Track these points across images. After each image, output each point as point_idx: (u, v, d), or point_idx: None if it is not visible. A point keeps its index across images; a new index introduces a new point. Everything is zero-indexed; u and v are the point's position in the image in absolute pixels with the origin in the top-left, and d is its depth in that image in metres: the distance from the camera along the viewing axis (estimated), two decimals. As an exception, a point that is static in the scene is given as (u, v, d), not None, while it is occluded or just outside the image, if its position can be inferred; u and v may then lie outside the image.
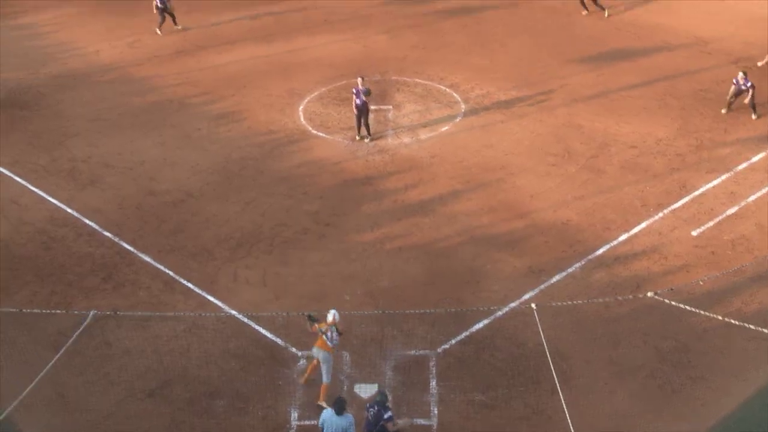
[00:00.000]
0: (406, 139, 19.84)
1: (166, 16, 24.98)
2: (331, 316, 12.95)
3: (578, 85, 21.99)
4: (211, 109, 21.20)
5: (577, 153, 19.13)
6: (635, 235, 16.55)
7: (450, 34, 25.11)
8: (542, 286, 15.19)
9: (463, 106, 21.15)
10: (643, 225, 16.81)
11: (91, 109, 21.29)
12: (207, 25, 25.76)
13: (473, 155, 19.18)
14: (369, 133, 19.66)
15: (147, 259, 16.08)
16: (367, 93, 19.24)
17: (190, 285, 15.43)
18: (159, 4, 24.83)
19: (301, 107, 21.20)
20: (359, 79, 19.44)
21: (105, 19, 26.12)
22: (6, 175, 18.66)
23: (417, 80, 22.37)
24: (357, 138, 19.67)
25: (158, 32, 25.03)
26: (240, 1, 27.29)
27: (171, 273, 15.70)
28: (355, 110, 19.52)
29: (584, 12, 26.07)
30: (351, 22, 26.04)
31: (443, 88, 21.99)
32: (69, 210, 17.55)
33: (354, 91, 19.45)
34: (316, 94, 21.82)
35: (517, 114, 20.80)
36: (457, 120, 20.57)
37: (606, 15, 25.91)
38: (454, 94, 21.66)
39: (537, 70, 22.89)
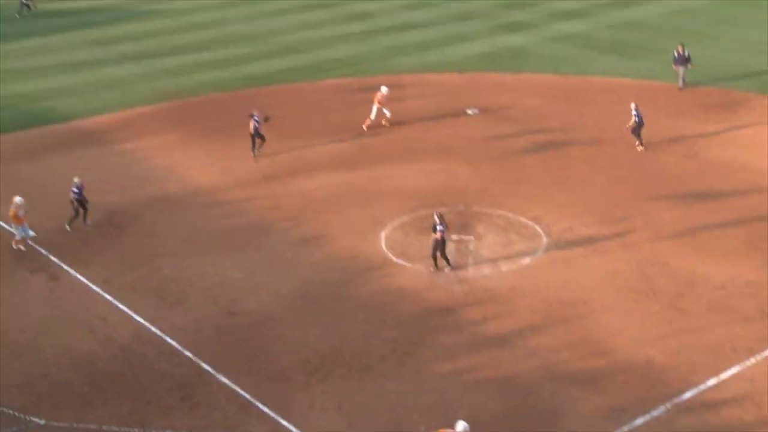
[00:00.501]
0: (487, 271, 20.20)
1: (257, 140, 26.78)
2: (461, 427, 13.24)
3: (662, 223, 22.11)
4: (295, 234, 22.17)
5: (661, 291, 19.05)
6: (725, 380, 16.15)
7: (531, 168, 25.82)
8: (624, 428, 14.90)
9: (544, 240, 21.50)
10: (734, 370, 16.41)
11: (182, 230, 22.58)
12: (295, 151, 27.31)
13: (554, 289, 19.34)
14: (449, 263, 20.10)
15: (224, 380, 16.61)
16: (443, 228, 19.62)
17: (265, 409, 15.79)
18: (252, 131, 26.63)
19: (382, 234, 21.96)
20: (436, 217, 19.89)
21: (201, 145, 28.00)
22: (97, 292, 19.82)
23: (498, 212, 22.94)
24: (431, 270, 20.02)
25: (253, 155, 26.77)
26: (327, 130, 28.92)
27: (247, 395, 16.13)
28: (432, 242, 19.99)
29: (639, 148, 26.59)
30: (434, 152, 27.12)
31: (525, 220, 22.48)
32: (153, 328, 18.41)
33: (433, 225, 19.90)
34: (398, 222, 22.60)
35: (600, 249, 20.98)
36: (539, 253, 20.88)
37: (640, 149, 26.44)
38: (536, 227, 22.08)
39: (620, 206, 23.16)
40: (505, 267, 20.34)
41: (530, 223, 22.35)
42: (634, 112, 26.60)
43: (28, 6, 44.42)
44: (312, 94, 32.57)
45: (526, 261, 20.57)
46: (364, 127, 28.81)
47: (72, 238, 22.16)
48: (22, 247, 21.68)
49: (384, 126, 28.92)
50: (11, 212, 21.60)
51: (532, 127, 28.95)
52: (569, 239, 21.51)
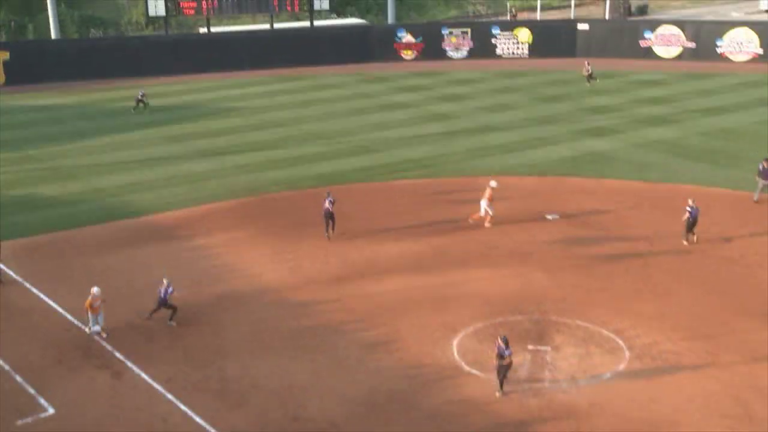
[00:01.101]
0: (564, 384, 19.98)
1: (330, 222, 28.42)
2: None
3: (760, 342, 21.51)
4: (364, 337, 22.43)
5: (759, 419, 18.38)
6: None
7: (614, 277, 25.72)
8: None
9: (627, 353, 21.21)
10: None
11: (248, 329, 23.13)
12: (367, 252, 27.91)
13: (637, 408, 18.95)
14: (501, 388, 19.48)
15: (285, 488, 16.67)
16: (511, 352, 19.16)
17: None
18: (326, 211, 28.40)
19: (454, 342, 22.01)
20: (501, 341, 19.33)
21: (271, 242, 28.94)
22: (159, 391, 20.32)
23: (578, 322, 22.82)
24: (498, 395, 19.55)
25: (326, 236, 28.45)
26: (400, 231, 29.55)
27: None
28: (498, 367, 19.44)
29: (685, 242, 27.25)
30: (511, 257, 27.33)
31: (606, 332, 22.26)
32: (213, 431, 18.74)
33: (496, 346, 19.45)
34: (471, 329, 22.65)
35: (688, 368, 20.53)
36: (621, 368, 20.57)
37: (695, 240, 27.50)
38: (618, 340, 21.83)
39: (711, 322, 22.71)
40: (583, 381, 20.09)
41: (611, 335, 22.12)
42: (688, 208, 27.32)
43: (143, 103, 47.14)
44: (386, 195, 33.45)
45: (606, 376, 20.29)
46: (470, 220, 29.71)
47: (138, 334, 22.91)
48: (103, 335, 22.59)
49: (484, 226, 29.52)
50: (87, 302, 22.65)
51: (615, 234, 28.96)
52: (654, 355, 21.16)
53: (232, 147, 40.82)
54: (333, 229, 28.82)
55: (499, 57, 61.45)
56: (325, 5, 62.43)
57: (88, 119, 46.88)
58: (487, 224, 29.61)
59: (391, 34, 62.40)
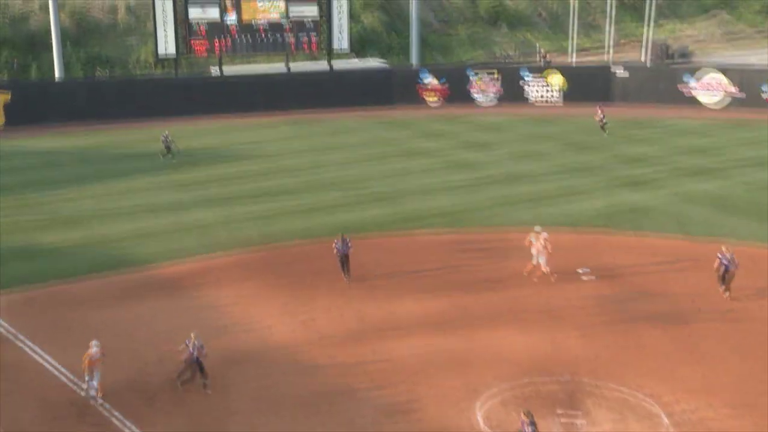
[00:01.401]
0: (596, 454, 19.94)
1: (346, 265, 29.57)
2: None
3: (809, 410, 21.45)
4: (380, 400, 22.42)
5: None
6: None
7: (650, 338, 25.71)
8: None
9: (665, 421, 21.14)
10: None
11: (256, 389, 23.24)
12: (386, 308, 28.07)
13: (676, 480, 18.86)
14: None
15: None
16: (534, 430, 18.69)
17: None
18: (339, 254, 29.68)
19: (477, 405, 22.03)
20: (524, 416, 19.05)
21: (283, 296, 29.20)
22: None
23: (611, 385, 22.80)
24: None
25: (345, 279, 29.49)
26: (422, 287, 29.74)
27: None
28: None
29: (725, 295, 27.60)
30: (540, 314, 27.39)
31: (642, 397, 22.22)
32: (218, 495, 18.82)
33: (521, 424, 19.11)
34: (495, 391, 22.65)
35: (732, 436, 20.47)
36: (658, 436, 20.57)
37: (727, 296, 27.50)
38: (655, 406, 21.79)
39: (757, 390, 22.55)
40: (618, 451, 20.03)
41: (648, 400, 22.08)
42: (719, 255, 27.66)
43: (169, 147, 47.78)
44: (407, 247, 33.72)
45: (643, 445, 20.23)
46: (526, 273, 29.98)
47: (138, 393, 23.07)
48: (99, 396, 22.80)
49: (531, 279, 29.81)
50: (85, 358, 22.91)
51: (653, 293, 28.98)
52: (694, 422, 21.09)
53: (244, 194, 41.41)
54: (349, 272, 29.91)
55: (529, 102, 62.12)
56: (345, 46, 63.61)
57: (91, 164, 47.77)
58: (535, 278, 30.03)
59: (413, 76, 63.36)
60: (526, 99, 62.24)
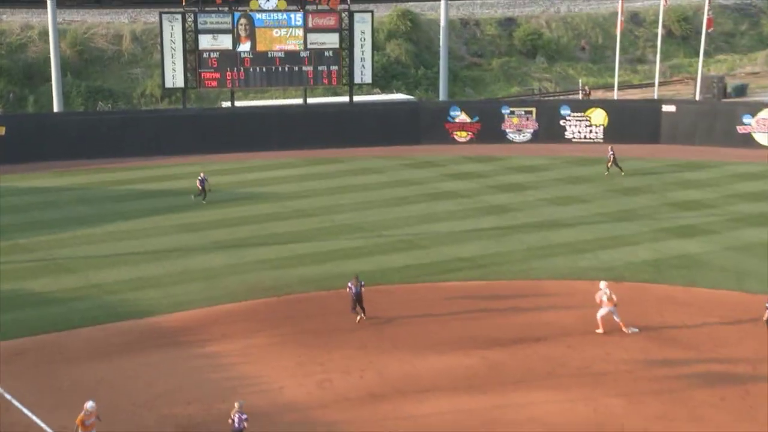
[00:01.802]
0: None
1: (359, 307, 30.45)
2: None
3: None
4: (401, 469, 22.25)
5: None
6: None
7: (706, 407, 25.20)
8: None
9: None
10: None
11: (264, 454, 23.11)
12: (408, 365, 27.81)
13: None
14: None
15: None
16: None
17: None
18: (353, 295, 30.43)
19: (510, 478, 21.72)
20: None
21: (296, 352, 29.05)
22: None
23: (661, 459, 22.41)
24: None
25: (358, 318, 30.55)
26: (448, 342, 29.48)
27: None
28: None
29: None
30: (580, 377, 27.00)
31: (696, 473, 21.80)
32: None
33: None
34: (530, 463, 22.38)
35: None
36: None
37: None
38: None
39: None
40: None
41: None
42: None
43: (203, 191, 47.76)
44: (432, 298, 33.54)
45: None
46: (599, 330, 29.92)
47: (135, 454, 22.98)
48: None
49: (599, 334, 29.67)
50: (79, 419, 22.77)
51: (708, 354, 28.54)
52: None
53: (255, 239, 41.49)
54: (364, 313, 31.02)
55: (569, 141, 62.12)
56: (367, 78, 64.01)
57: (89, 204, 48.12)
58: (599, 330, 30.12)
59: (442, 112, 63.60)
60: (565, 137, 62.23)
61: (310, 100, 65.42)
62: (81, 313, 32.45)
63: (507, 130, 62.76)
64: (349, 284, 31.33)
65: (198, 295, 34.17)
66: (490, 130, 62.52)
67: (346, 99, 65.95)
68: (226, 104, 66.05)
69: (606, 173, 53.20)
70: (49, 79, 65.28)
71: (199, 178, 48.17)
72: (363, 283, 31.25)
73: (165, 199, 48.84)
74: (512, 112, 62.76)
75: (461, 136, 62.98)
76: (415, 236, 41.69)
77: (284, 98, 71.25)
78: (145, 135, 59.60)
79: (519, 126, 62.77)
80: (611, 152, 53.43)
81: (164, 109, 68.95)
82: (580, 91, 76.83)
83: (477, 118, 62.78)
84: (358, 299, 31.06)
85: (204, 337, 30.23)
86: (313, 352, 28.96)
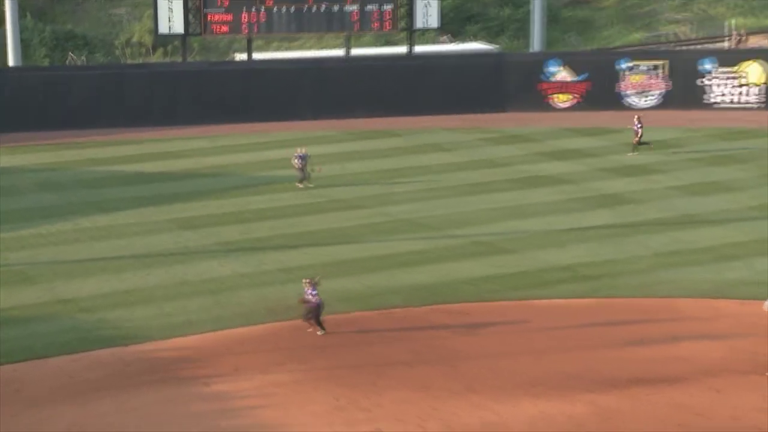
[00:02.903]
0: None
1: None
2: None
3: None
4: None
5: None
6: None
7: None
8: None
9: None
10: None
11: None
12: (487, 413, 27.56)
13: None
14: None
15: None
16: None
17: None
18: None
19: None
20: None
21: (333, 393, 28.93)
22: None
23: None
24: None
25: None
26: (543, 383, 29.22)
27: None
28: None
29: None
30: (727, 433, 26.83)
31: None
32: None
33: None
34: None
35: None
36: None
37: None
38: None
39: None
40: None
41: None
42: None
43: (305, 171, 48.59)
44: (521, 322, 33.42)
45: None
46: None
47: None
48: None
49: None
50: None
51: None
52: None
53: (277, 239, 41.70)
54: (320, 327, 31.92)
55: (712, 107, 61.40)
56: (433, 22, 63.97)
57: (56, 191, 48.59)
58: None
59: (535, 68, 63.31)
60: (707, 101, 61.48)
61: (354, 52, 65.45)
62: (45, 338, 32.70)
63: (625, 92, 62.30)
64: (310, 291, 31.97)
65: (201, 315, 34.33)
66: (601, 92, 62.11)
67: (404, 50, 65.84)
68: (241, 57, 66.34)
69: (631, 153, 53.17)
70: (2, 23, 65.66)
71: (297, 154, 48.46)
72: (317, 285, 32.11)
73: (158, 185, 49.23)
74: (633, 68, 62.32)
75: (562, 100, 62.68)
76: (498, 237, 41.62)
77: (320, 49, 71.36)
78: (131, 98, 60.11)
79: (642, 86, 62.31)
80: (638, 124, 53.09)
81: (157, 64, 69.52)
82: (729, 38, 75.92)
83: (584, 76, 62.42)
84: (317, 311, 31.76)
85: (210, 372, 30.29)
86: (356, 393, 28.89)
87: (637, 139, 53.41)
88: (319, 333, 32.16)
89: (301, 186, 48.38)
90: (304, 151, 48.66)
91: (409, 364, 30.31)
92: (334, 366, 30.62)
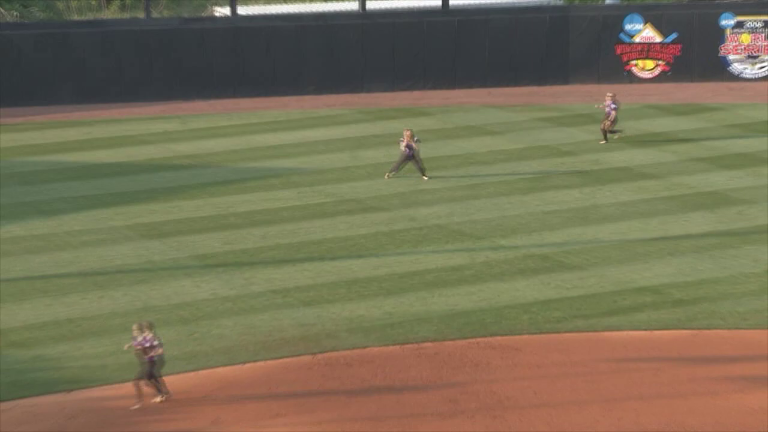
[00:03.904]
0: None
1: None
2: None
3: None
4: None
5: None
6: None
7: None
8: None
9: None
10: None
11: None
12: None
13: None
14: None
15: None
16: None
17: None
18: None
19: None
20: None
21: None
22: None
23: None
24: None
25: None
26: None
27: None
28: None
29: None
30: None
31: None
32: None
33: None
34: None
35: None
36: None
37: None
38: None
39: None
40: None
41: None
42: None
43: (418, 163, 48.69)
44: (591, 360, 33.45)
45: None
46: None
47: None
48: None
49: None
50: None
51: None
52: None
53: (270, 251, 41.91)
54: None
55: None
56: (474, -35, 64.13)
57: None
58: None
59: (610, 26, 63.29)
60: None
61: (371, 5, 65.54)
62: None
63: (730, 57, 62.21)
64: (144, 337, 31.09)
65: (171, 351, 34.29)
66: (698, 58, 62.08)
67: (437, 2, 65.89)
68: (223, 12, 66.55)
69: (603, 141, 53.79)
70: None
71: (402, 143, 48.67)
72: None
73: (113, 180, 49.51)
74: (739, 25, 62.17)
75: (646, 68, 62.63)
76: (560, 249, 41.84)
77: (327, 1, 71.50)
78: (79, 66, 60.24)
79: (752, 49, 62.25)
80: (612, 104, 53.45)
81: (112, 21, 69.67)
82: None
83: (675, 36, 62.33)
84: (151, 367, 30.98)
85: (182, 426, 30.45)
86: (377, 453, 29.14)
87: (608, 123, 53.74)
88: (157, 400, 31.26)
89: (426, 179, 48.95)
90: (410, 137, 48.67)
91: (443, 415, 30.25)
92: (346, 419, 30.60)
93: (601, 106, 54.14)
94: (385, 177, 48.81)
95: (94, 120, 56.91)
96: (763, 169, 49.61)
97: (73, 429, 30.47)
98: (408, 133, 48.31)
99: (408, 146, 48.18)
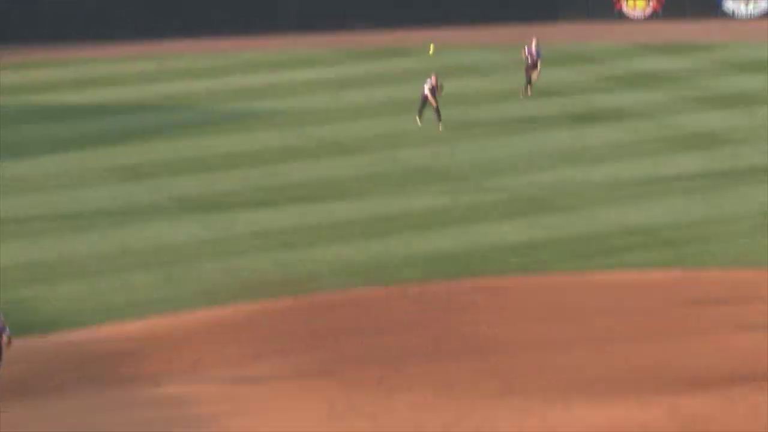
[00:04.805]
0: None
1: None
2: None
3: None
4: None
5: None
6: None
7: None
8: None
9: None
10: None
11: None
12: (536, 416, 27.86)
13: None
14: None
15: None
16: None
17: None
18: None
19: None
20: None
21: (326, 394, 28.69)
22: None
23: None
24: None
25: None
26: (615, 379, 29.41)
27: None
28: None
29: None
30: None
31: None
32: None
33: None
34: None
35: None
36: None
37: None
38: None
39: None
40: None
41: None
42: None
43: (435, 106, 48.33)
44: (578, 301, 33.72)
45: None
46: None
47: None
48: None
49: None
50: None
51: None
52: None
53: (252, 193, 42.13)
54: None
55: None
56: None
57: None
58: None
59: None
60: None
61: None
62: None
63: (724, -3, 62.43)
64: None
65: (150, 294, 34.64)
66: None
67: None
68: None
69: (522, 95, 53.50)
70: None
71: (427, 85, 48.77)
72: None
73: (89, 121, 49.54)
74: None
75: (636, 6, 62.70)
76: (548, 190, 42.09)
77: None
78: (50, 2, 60.04)
79: (747, -12, 62.39)
80: (534, 50, 53.26)
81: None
82: None
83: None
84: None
85: (161, 368, 30.58)
86: (358, 395, 29.16)
87: (535, 72, 53.45)
88: None
89: (441, 129, 48.68)
90: (432, 81, 48.63)
91: (428, 356, 30.61)
92: (328, 360, 30.90)
93: (525, 54, 53.72)
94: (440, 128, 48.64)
95: (68, 60, 57.03)
96: (757, 109, 49.77)
97: (50, 371, 30.69)
98: (434, 77, 48.47)
99: (432, 89, 48.26)
